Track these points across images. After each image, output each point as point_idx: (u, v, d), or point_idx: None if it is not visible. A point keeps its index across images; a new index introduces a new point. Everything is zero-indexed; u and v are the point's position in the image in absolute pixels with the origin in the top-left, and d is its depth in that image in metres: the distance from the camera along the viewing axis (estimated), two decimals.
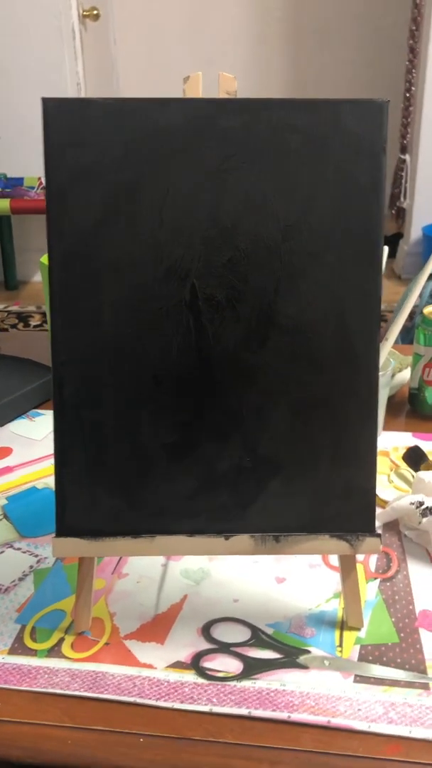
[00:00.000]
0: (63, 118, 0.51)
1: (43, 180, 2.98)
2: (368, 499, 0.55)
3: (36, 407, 0.93)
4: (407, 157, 3.10)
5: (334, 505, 0.55)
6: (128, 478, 0.54)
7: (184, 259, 0.52)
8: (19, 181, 3.11)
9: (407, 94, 3.08)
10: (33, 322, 2.88)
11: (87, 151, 0.51)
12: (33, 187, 3.05)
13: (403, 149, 3.14)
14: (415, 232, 3.13)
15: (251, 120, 0.51)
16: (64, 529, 0.54)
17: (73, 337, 0.53)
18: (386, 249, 0.76)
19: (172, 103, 0.51)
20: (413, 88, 3.05)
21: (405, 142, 3.13)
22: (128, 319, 0.53)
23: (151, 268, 0.52)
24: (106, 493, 0.54)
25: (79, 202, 0.52)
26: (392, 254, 3.31)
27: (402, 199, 3.14)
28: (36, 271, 3.31)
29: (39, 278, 3.32)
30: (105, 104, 0.51)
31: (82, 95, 2.98)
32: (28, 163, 3.03)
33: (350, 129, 0.51)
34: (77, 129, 0.51)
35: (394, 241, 3.28)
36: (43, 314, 2.94)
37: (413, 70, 3.01)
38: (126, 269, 0.52)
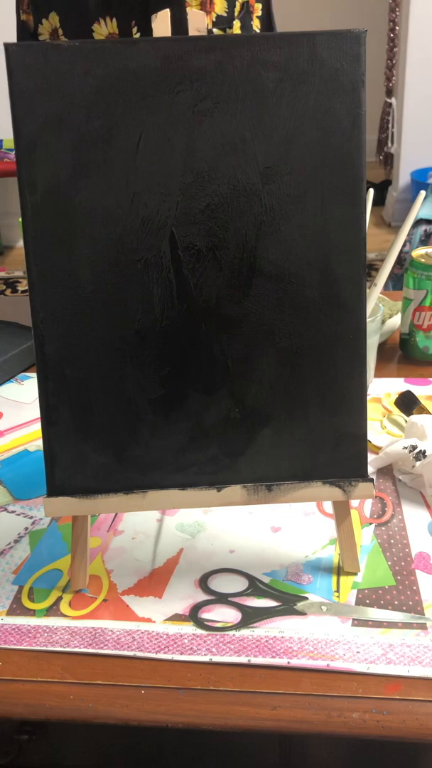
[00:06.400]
0: (28, 64, 0.49)
1: None
2: (359, 444, 0.54)
3: (24, 371, 0.92)
4: (393, 100, 3.03)
5: (325, 452, 0.54)
6: (116, 434, 0.53)
7: (161, 207, 0.51)
8: None
9: (391, 35, 2.99)
10: (20, 288, 2.85)
11: (56, 98, 0.49)
12: (13, 149, 2.97)
13: (389, 92, 3.06)
14: (403, 177, 3.07)
15: (224, 58, 0.49)
16: (54, 489, 0.54)
17: (51, 294, 0.51)
18: (371, 191, 0.74)
19: (141, 43, 0.49)
20: (397, 28, 2.96)
21: (390, 85, 3.06)
22: (106, 272, 0.51)
23: (128, 219, 0.51)
24: (95, 451, 0.53)
25: (50, 153, 0.50)
26: (381, 202, 3.26)
27: (389, 144, 3.08)
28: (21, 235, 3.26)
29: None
30: (71, 47, 0.49)
31: None
32: (7, 124, 2.95)
33: (327, 63, 0.49)
34: (44, 75, 0.49)
35: (382, 188, 3.23)
36: None
37: (396, 9, 2.92)
38: (101, 221, 0.51)
